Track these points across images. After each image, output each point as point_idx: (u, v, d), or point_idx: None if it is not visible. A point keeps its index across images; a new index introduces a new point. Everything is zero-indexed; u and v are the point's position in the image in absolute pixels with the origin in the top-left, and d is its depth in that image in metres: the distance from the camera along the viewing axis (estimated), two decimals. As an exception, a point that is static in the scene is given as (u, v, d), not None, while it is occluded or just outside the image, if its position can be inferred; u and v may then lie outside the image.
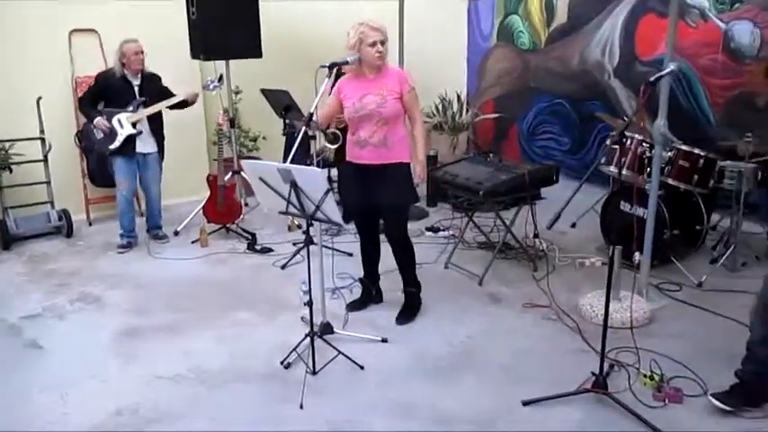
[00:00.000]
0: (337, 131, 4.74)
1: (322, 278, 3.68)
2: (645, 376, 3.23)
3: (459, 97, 8.01)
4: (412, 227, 5.52)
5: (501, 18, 7.92)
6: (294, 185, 3.02)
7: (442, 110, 7.87)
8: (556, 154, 7.39)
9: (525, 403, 3.09)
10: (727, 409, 2.96)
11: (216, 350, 3.67)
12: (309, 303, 3.31)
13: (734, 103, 5.01)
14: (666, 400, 3.08)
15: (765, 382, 2.99)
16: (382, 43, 3.56)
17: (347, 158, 3.87)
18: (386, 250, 4.04)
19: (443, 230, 5.55)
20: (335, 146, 4.75)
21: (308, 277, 3.29)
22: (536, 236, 5.01)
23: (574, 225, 5.60)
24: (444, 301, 4.21)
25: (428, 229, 5.58)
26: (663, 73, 2.94)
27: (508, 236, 4.84)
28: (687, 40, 5.87)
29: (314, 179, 2.97)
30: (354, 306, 4.12)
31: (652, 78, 2.90)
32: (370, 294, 4.17)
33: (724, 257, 4.64)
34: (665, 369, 3.30)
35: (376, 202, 3.76)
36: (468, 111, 8.16)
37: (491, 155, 5.08)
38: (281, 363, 3.43)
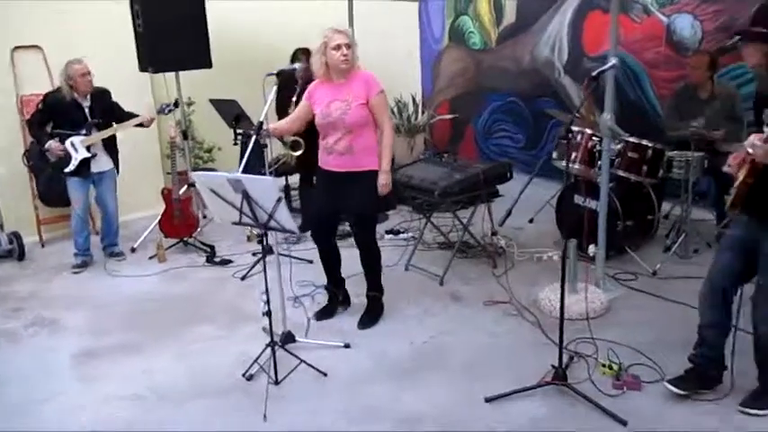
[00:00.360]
0: (299, 139, 4.73)
1: (281, 287, 3.66)
2: (603, 366, 3.29)
3: (414, 99, 8.06)
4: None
5: (451, 19, 7.99)
6: (246, 195, 3.00)
7: (398, 112, 7.91)
8: (511, 151, 7.49)
9: (488, 399, 3.12)
10: (682, 393, 3.03)
11: (176, 367, 3.61)
12: (268, 313, 3.28)
13: (678, 95, 5.13)
14: (625, 388, 3.15)
15: (717, 365, 3.07)
16: (347, 47, 3.51)
17: (319, 164, 3.84)
18: (347, 254, 4.04)
19: (403, 233, 5.57)
20: (298, 153, 4.73)
21: (265, 287, 3.26)
22: (494, 233, 5.07)
23: (531, 220, 5.72)
24: (406, 303, 4.22)
25: (388, 232, 5.59)
26: (604, 68, 3.00)
27: (467, 235, 4.87)
28: (632, 35, 6.02)
29: (265, 188, 2.95)
30: (323, 314, 4.09)
31: (594, 73, 2.95)
32: (337, 300, 4.15)
33: (676, 245, 4.76)
34: (623, 357, 3.36)
35: (341, 210, 3.75)
36: (423, 112, 8.22)
37: (445, 155, 5.12)
38: (243, 375, 3.40)
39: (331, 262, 4.07)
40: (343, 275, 4.14)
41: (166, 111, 5.20)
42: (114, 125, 4.99)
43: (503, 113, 7.58)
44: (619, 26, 5.86)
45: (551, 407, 3.06)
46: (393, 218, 6.04)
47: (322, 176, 3.83)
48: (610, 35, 3.89)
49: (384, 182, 3.67)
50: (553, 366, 3.17)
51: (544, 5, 6.82)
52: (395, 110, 7.87)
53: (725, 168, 2.82)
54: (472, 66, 7.84)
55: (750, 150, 2.59)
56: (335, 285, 4.14)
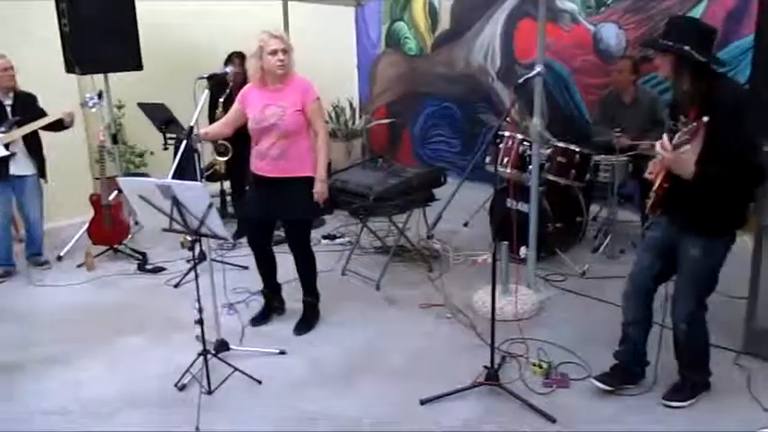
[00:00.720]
0: (225, 143, 4.66)
1: (214, 295, 3.61)
2: (534, 365, 3.38)
3: (351, 104, 8.08)
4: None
5: (387, 24, 8.06)
6: (176, 202, 2.94)
7: (336, 117, 7.92)
8: (448, 156, 7.60)
9: (423, 402, 3.15)
10: (608, 389, 3.14)
11: (106, 378, 3.50)
12: (200, 322, 3.22)
13: (604, 101, 5.33)
14: (554, 386, 3.24)
15: (640, 361, 3.20)
16: (284, 52, 3.49)
17: (251, 169, 3.79)
18: (283, 260, 4.01)
19: (340, 237, 5.58)
20: (225, 158, 4.67)
21: (197, 295, 3.20)
22: (430, 237, 5.13)
23: (466, 224, 5.78)
24: (342, 308, 4.22)
25: (324, 237, 5.59)
26: (529, 75, 3.09)
27: (403, 239, 4.92)
28: (561, 43, 6.21)
29: (196, 194, 2.90)
30: (258, 320, 4.05)
31: (520, 80, 3.03)
32: (273, 306, 4.12)
33: (603, 246, 4.94)
34: (553, 356, 3.47)
35: (275, 215, 3.72)
36: (361, 117, 8.25)
37: (380, 160, 5.15)
38: (175, 385, 3.32)
39: (267, 268, 4.03)
40: (279, 281, 4.11)
41: (90, 104, 5.02)
42: (33, 124, 4.77)
43: (438, 118, 7.69)
44: (548, 34, 6.05)
45: (484, 407, 3.12)
46: (330, 223, 6.04)
47: (255, 182, 3.80)
48: (537, 43, 3.99)
49: (320, 190, 3.67)
50: (485, 367, 3.23)
51: (477, 13, 6.96)
52: (332, 115, 7.87)
53: (646, 175, 2.93)
54: (408, 71, 7.92)
55: (659, 157, 2.71)
56: (272, 291, 4.11)
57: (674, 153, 2.59)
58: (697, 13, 5.20)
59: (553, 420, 2.96)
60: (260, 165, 3.69)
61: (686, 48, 2.64)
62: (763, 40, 1.96)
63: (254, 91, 3.67)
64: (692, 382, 3.08)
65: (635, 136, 4.83)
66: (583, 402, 3.13)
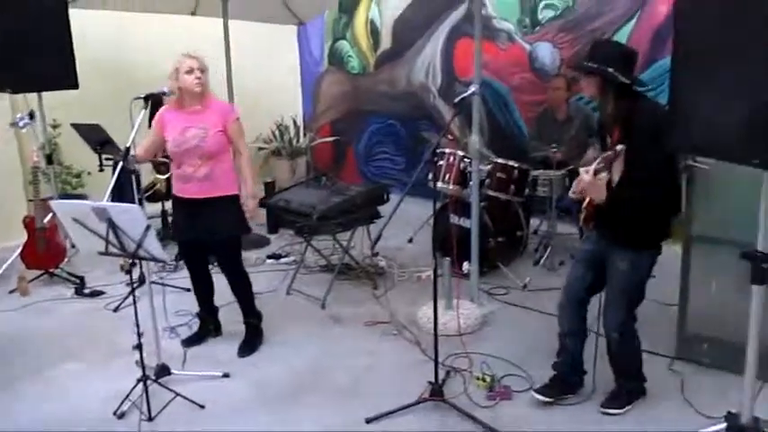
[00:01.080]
0: (166, 160, 4.60)
1: (154, 318, 3.52)
2: (478, 379, 3.42)
3: (295, 122, 8.07)
4: (252, 255, 5.50)
5: (330, 43, 8.11)
6: (112, 224, 2.87)
7: (279, 135, 7.89)
8: (392, 173, 7.67)
9: (368, 420, 3.14)
10: (548, 400, 3.21)
11: (41, 408, 3.36)
12: (139, 346, 3.14)
13: (539, 118, 5.49)
14: (498, 399, 3.28)
15: (578, 371, 3.29)
16: (200, 70, 3.49)
17: (173, 192, 3.75)
18: (224, 282, 3.97)
19: (284, 257, 5.54)
20: (165, 176, 4.61)
21: (135, 319, 3.13)
22: (375, 254, 5.16)
23: (411, 240, 5.84)
24: (287, 328, 4.19)
25: (269, 257, 5.54)
26: (465, 94, 3.16)
27: (347, 257, 4.92)
28: (499, 61, 6.37)
29: (132, 216, 2.84)
30: (191, 341, 3.99)
31: (456, 99, 3.11)
32: (208, 328, 4.06)
33: (544, 259, 5.06)
34: (496, 369, 3.52)
35: (204, 237, 3.68)
36: (305, 135, 8.24)
37: (324, 178, 5.16)
38: (114, 413, 3.22)
39: (202, 289, 3.99)
40: (217, 304, 4.06)
41: (21, 123, 4.87)
42: None
43: (382, 136, 7.76)
44: (485, 53, 6.21)
45: (429, 422, 3.13)
46: (274, 242, 6.00)
47: (180, 204, 3.75)
48: (474, 62, 4.09)
49: (251, 206, 3.74)
50: (430, 383, 3.26)
51: (418, 32, 7.08)
52: (275, 133, 7.84)
53: (570, 194, 3.03)
54: (352, 89, 7.98)
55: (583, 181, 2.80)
56: (208, 313, 4.05)
57: (591, 179, 2.72)
58: (625, 32, 5.43)
59: (496, 433, 3.00)
60: (185, 187, 3.66)
61: (610, 70, 2.76)
62: (678, 57, 2.06)
63: (171, 113, 3.64)
64: (628, 389, 3.18)
65: (570, 151, 4.98)
66: (525, 413, 3.19)
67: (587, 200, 2.90)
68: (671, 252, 3.67)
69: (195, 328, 4.15)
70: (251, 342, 3.92)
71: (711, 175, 3.28)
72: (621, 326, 3.02)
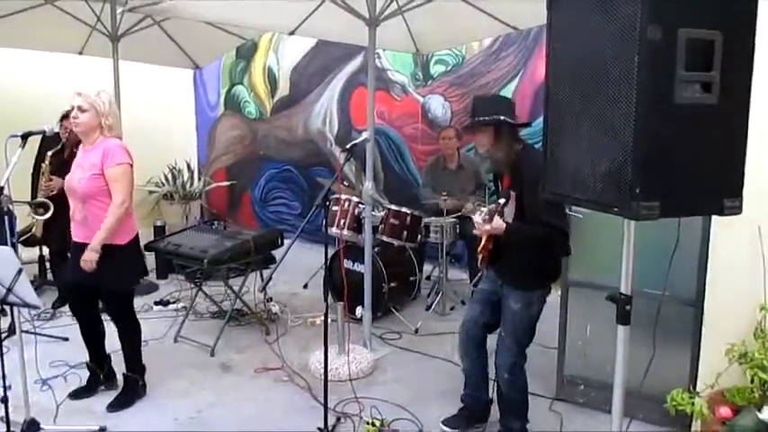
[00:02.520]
0: (46, 201, 4.38)
1: (23, 370, 3.25)
2: (368, 423, 3.41)
3: (189, 166, 7.91)
4: (138, 302, 5.26)
5: (227, 88, 8.08)
6: (-22, 268, 2.69)
7: (172, 178, 7.69)
8: (288, 218, 7.65)
9: (255, 470, 3.06)
10: (456, 431, 3.32)
11: None
12: (5, 400, 2.91)
13: (432, 166, 5.69)
14: (387, 443, 3.29)
15: (482, 402, 3.41)
16: (80, 109, 3.37)
17: None
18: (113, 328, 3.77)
19: (174, 303, 5.35)
20: (45, 216, 4.38)
21: (2, 370, 2.91)
22: (269, 300, 5.09)
23: (306, 286, 5.84)
24: (172, 377, 4.02)
25: (157, 303, 5.33)
26: (356, 141, 3.25)
27: (239, 302, 4.82)
28: (394, 112, 6.59)
29: (2, 259, 2.68)
30: (80, 393, 3.73)
31: (348, 146, 3.19)
32: (98, 378, 3.79)
33: (435, 304, 5.18)
34: (386, 414, 3.53)
35: (85, 282, 3.49)
36: (199, 179, 8.08)
37: (215, 223, 5.08)
38: (-27, 475, 2.96)
39: (91, 337, 3.74)
40: (108, 351, 3.82)
41: None
42: None
43: (279, 181, 7.75)
44: (381, 103, 6.43)
45: (318, 470, 3.09)
46: (164, 288, 5.79)
47: (71, 247, 3.59)
48: (367, 111, 4.21)
49: (87, 257, 3.34)
50: (319, 429, 3.22)
51: (315, 80, 7.21)
52: (168, 176, 7.64)
53: (474, 231, 3.17)
54: (249, 134, 7.95)
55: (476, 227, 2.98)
56: (97, 361, 3.80)
57: (487, 227, 2.90)
58: (510, 89, 5.79)
59: (385, 478, 3.00)
60: (72, 229, 3.53)
61: (501, 117, 2.95)
62: (548, 115, 2.23)
63: (80, 150, 3.55)
64: (512, 429, 3.27)
65: (460, 199, 5.18)
66: (414, 457, 3.21)
67: (483, 244, 3.04)
68: (553, 296, 3.87)
69: (71, 379, 3.91)
70: (126, 397, 3.69)
71: (584, 223, 3.51)
72: (512, 366, 3.14)
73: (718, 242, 3.07)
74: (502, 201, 2.88)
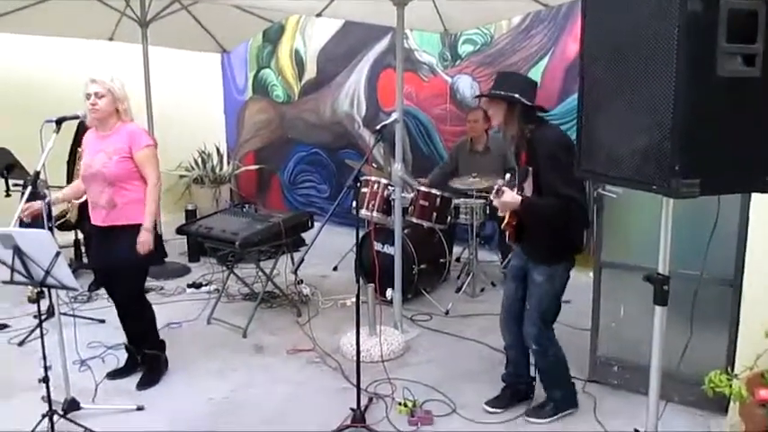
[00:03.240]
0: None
1: (63, 351, 3.35)
2: (400, 404, 3.43)
3: (218, 150, 7.96)
4: (171, 285, 5.37)
5: (254, 72, 8.10)
6: (18, 251, 2.74)
7: (202, 163, 7.76)
8: (317, 201, 7.67)
9: (289, 449, 3.09)
10: (497, 411, 3.35)
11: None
12: (46, 379, 2.98)
13: (459, 148, 5.64)
14: (419, 424, 3.29)
15: (524, 380, 3.42)
16: (98, 95, 3.38)
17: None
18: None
19: (206, 285, 5.41)
20: (80, 200, 4.45)
21: (42, 350, 2.97)
22: (300, 282, 5.13)
23: (335, 268, 5.87)
24: (206, 358, 4.08)
25: (189, 286, 5.40)
26: (386, 122, 3.23)
27: (271, 285, 4.86)
28: (422, 92, 6.54)
29: (41, 242, 2.72)
30: (117, 374, 3.81)
31: (377, 127, 3.18)
32: (136, 360, 3.84)
33: (465, 285, 5.15)
34: (418, 395, 3.53)
35: (107, 266, 3.53)
36: (228, 163, 8.14)
37: (246, 206, 5.11)
38: (17, 452, 3.04)
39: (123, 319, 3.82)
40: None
41: None
42: None
43: (307, 164, 7.77)
44: (409, 84, 6.38)
45: (351, 449, 3.11)
46: (196, 270, 5.87)
47: (93, 232, 3.65)
48: (396, 92, 4.18)
49: (143, 239, 3.46)
50: (352, 409, 3.24)
51: (342, 63, 7.18)
52: (198, 161, 7.71)
53: (499, 212, 3.18)
54: (277, 117, 7.97)
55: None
56: (134, 344, 3.85)
57: (498, 201, 2.95)
58: (540, 68, 5.69)
59: (417, 457, 3.01)
60: (93, 214, 3.56)
61: (516, 96, 2.92)
62: (583, 91, 2.19)
63: (91, 135, 3.58)
64: (554, 400, 3.30)
65: (488, 181, 5.12)
66: (445, 437, 3.22)
67: (506, 220, 3.04)
68: (584, 278, 3.83)
69: (109, 360, 4.00)
70: (151, 375, 3.75)
71: (618, 203, 3.45)
72: (538, 337, 3.15)
73: (758, 220, 2.99)
74: (508, 176, 2.97)
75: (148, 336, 3.78)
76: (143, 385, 3.70)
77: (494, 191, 2.97)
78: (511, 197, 2.92)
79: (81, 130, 4.71)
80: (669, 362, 2.51)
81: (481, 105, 5.74)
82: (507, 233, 3.17)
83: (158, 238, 3.78)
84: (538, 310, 3.12)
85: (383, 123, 3.17)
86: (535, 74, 5.63)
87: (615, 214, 3.51)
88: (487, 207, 5.13)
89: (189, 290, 5.36)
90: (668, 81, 1.80)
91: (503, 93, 2.99)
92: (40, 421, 3.06)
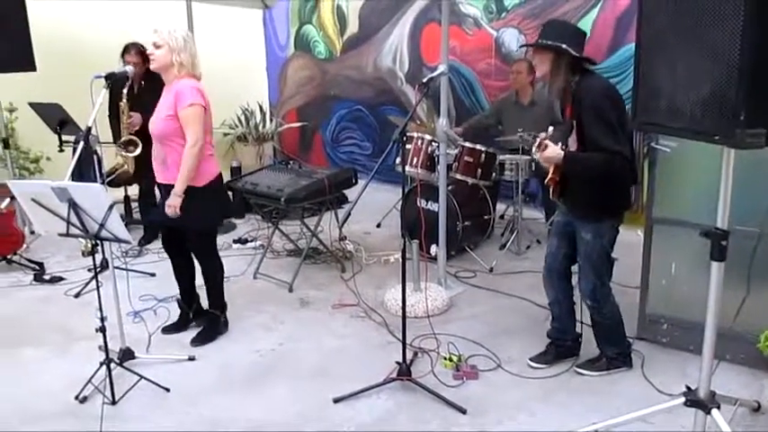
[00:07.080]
0: (134, 138, 4.50)
1: (117, 303, 3.45)
2: (445, 359, 3.45)
3: (261, 107, 7.98)
4: (219, 240, 5.42)
5: (296, 28, 8.03)
6: (73, 204, 2.81)
7: (245, 120, 7.79)
8: (360, 159, 7.65)
9: (336, 400, 3.15)
10: (542, 366, 3.37)
11: (1, 394, 3.29)
12: (103, 329, 3.09)
13: (504, 101, 5.52)
14: (464, 378, 3.32)
15: (570, 336, 3.41)
16: (156, 46, 3.36)
17: None
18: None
19: (251, 241, 5.49)
20: (134, 153, 4.53)
21: (99, 302, 3.07)
22: (343, 238, 5.16)
23: (379, 225, 5.88)
24: (254, 311, 4.17)
25: (236, 242, 5.49)
26: (433, 74, 3.17)
27: (315, 241, 4.90)
28: (466, 47, 6.39)
29: (94, 196, 2.78)
30: (170, 329, 3.90)
31: (424, 79, 3.11)
32: (188, 316, 3.93)
33: (510, 243, 5.11)
34: (462, 350, 3.55)
35: (168, 222, 3.58)
36: (271, 120, 8.16)
37: (291, 162, 5.13)
38: (76, 397, 3.17)
39: (179, 276, 3.88)
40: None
41: None
42: None
43: (349, 121, 7.74)
44: (452, 38, 6.24)
45: (397, 401, 3.15)
46: (241, 227, 5.96)
47: (159, 188, 3.71)
48: (441, 45, 4.09)
49: (171, 203, 3.40)
50: (398, 363, 3.27)
51: (384, 17, 7.06)
52: (241, 118, 7.75)
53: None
54: (319, 74, 7.93)
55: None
56: (187, 301, 3.92)
57: (542, 154, 2.88)
58: (590, 19, 5.50)
59: (463, 411, 3.03)
60: (154, 170, 3.62)
61: (563, 46, 2.83)
62: (642, 39, 2.10)
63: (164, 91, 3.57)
64: (608, 356, 3.29)
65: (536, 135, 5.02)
66: (491, 392, 3.23)
67: (550, 175, 2.99)
68: (633, 235, 3.76)
69: (161, 313, 4.11)
70: (207, 333, 3.80)
71: (672, 158, 3.34)
72: (593, 292, 3.12)
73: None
74: (551, 129, 2.90)
75: (211, 294, 3.81)
76: (197, 341, 3.75)
77: (536, 144, 2.91)
78: (553, 151, 2.86)
79: (115, 85, 4.74)
80: (722, 319, 2.46)
81: (527, 56, 5.60)
82: (551, 189, 3.11)
83: (222, 197, 3.80)
84: (590, 266, 3.08)
85: (430, 76, 3.11)
86: (585, 25, 5.43)
87: (668, 169, 3.40)
88: (532, 163, 5.05)
89: (235, 245, 5.45)
90: (735, 24, 1.71)
91: (549, 42, 2.89)
92: (99, 369, 3.18)
